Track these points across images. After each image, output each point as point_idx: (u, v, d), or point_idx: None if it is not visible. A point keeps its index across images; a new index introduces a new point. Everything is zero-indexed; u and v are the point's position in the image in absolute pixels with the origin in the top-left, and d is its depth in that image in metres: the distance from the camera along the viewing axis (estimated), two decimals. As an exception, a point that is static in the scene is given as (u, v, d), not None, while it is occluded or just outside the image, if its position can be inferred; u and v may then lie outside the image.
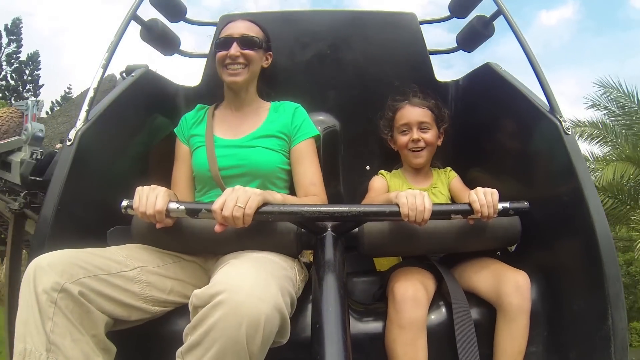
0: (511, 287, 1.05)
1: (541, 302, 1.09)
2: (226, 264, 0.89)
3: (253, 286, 0.76)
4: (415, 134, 1.44)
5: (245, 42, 1.30)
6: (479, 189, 1.04)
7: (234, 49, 1.28)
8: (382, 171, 1.54)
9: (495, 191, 1.03)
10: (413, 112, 1.45)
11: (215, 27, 1.66)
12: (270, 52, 1.41)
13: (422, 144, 1.44)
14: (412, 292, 1.03)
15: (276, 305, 0.76)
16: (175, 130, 1.41)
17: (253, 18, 1.41)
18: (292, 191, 1.34)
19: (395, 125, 1.49)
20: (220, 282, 0.76)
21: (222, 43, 1.31)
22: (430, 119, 1.46)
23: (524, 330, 1.04)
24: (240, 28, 1.32)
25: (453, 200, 1.45)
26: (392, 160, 1.60)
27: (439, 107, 1.50)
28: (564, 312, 1.07)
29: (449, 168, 1.54)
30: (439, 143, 1.50)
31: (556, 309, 1.08)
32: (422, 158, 1.45)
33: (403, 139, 1.46)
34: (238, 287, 0.74)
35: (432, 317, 1.07)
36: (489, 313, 1.09)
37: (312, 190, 1.27)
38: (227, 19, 1.45)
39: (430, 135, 1.45)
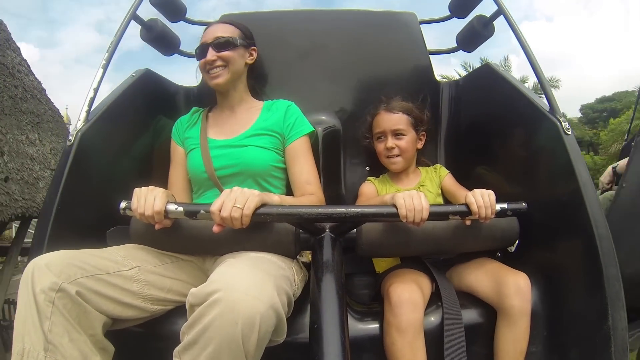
0: (512, 289, 1.04)
1: (541, 303, 1.09)
2: (223, 263, 0.89)
3: (249, 285, 0.76)
4: (390, 142, 1.44)
5: (219, 44, 1.31)
6: (476, 190, 1.04)
7: (210, 54, 1.30)
8: (370, 177, 1.54)
9: (492, 192, 1.03)
10: (388, 120, 1.45)
11: None
12: (254, 48, 1.40)
13: (396, 151, 1.44)
14: (408, 295, 1.03)
15: (272, 304, 0.76)
16: (172, 133, 1.41)
17: (229, 19, 1.43)
18: (289, 190, 1.34)
19: (373, 132, 1.51)
20: (217, 281, 0.76)
21: (200, 51, 1.33)
22: (406, 124, 1.45)
23: (525, 332, 1.04)
24: (213, 32, 1.33)
25: (446, 198, 1.45)
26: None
27: (418, 109, 1.49)
28: (563, 312, 1.06)
29: (438, 165, 1.53)
30: (420, 146, 1.50)
31: (556, 309, 1.08)
32: (398, 164, 1.46)
33: (379, 147, 1.48)
34: (234, 286, 0.74)
35: (430, 319, 1.06)
36: (488, 314, 1.09)
37: (308, 189, 1.27)
38: (224, 21, 1.45)
39: (405, 142, 1.44)
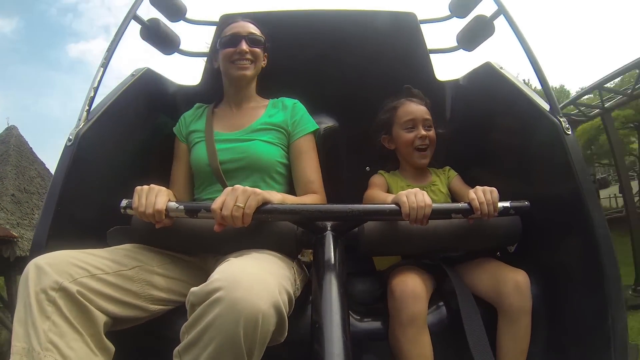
0: (511, 287, 1.04)
1: (541, 302, 1.09)
2: (224, 263, 0.89)
3: (251, 284, 0.75)
4: (422, 131, 1.41)
5: (253, 40, 1.36)
6: (478, 187, 1.04)
7: (244, 45, 1.33)
8: (381, 171, 1.53)
9: (494, 189, 1.03)
10: (418, 109, 1.43)
11: (214, 27, 1.66)
12: (267, 53, 1.44)
13: (427, 141, 1.41)
14: (411, 288, 1.03)
15: (274, 303, 0.76)
16: (174, 129, 1.42)
17: (254, 19, 1.44)
18: (292, 186, 1.34)
19: (398, 122, 1.45)
20: (218, 280, 0.75)
21: (229, 40, 1.35)
22: (430, 116, 1.45)
23: (525, 330, 1.04)
24: (246, 27, 1.38)
25: (454, 200, 1.45)
26: (392, 160, 1.60)
27: (433, 108, 1.49)
28: (563, 311, 1.07)
29: (447, 167, 1.52)
30: None
31: (556, 309, 1.08)
32: (427, 158, 1.44)
33: (408, 136, 1.42)
34: (235, 285, 0.74)
35: (432, 315, 1.06)
36: (489, 313, 1.09)
37: (310, 187, 1.28)
38: (228, 19, 1.45)
39: (433, 133, 1.43)
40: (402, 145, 1.45)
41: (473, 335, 0.99)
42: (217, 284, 0.74)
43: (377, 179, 1.48)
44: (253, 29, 1.39)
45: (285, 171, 1.33)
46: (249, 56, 1.34)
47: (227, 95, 1.43)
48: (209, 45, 1.67)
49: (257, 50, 1.37)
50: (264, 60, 1.42)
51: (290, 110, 1.36)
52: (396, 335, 1.02)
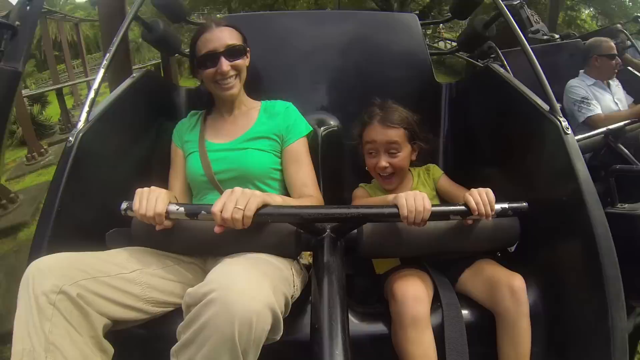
0: (506, 292, 1.04)
1: (541, 303, 1.09)
2: (220, 264, 0.89)
3: (244, 285, 0.76)
4: (383, 161, 1.31)
5: (232, 53, 1.25)
6: (473, 189, 1.04)
7: (225, 65, 1.24)
8: (362, 184, 1.49)
9: (489, 190, 1.03)
10: (381, 133, 1.31)
11: None
12: (249, 48, 1.35)
13: (389, 169, 1.32)
14: (413, 290, 1.03)
15: (268, 304, 0.77)
16: (172, 134, 1.41)
17: (229, 22, 1.33)
18: (287, 191, 1.34)
19: (363, 144, 1.37)
20: (212, 281, 0.76)
21: (206, 60, 1.25)
22: (402, 137, 1.32)
23: (524, 334, 1.03)
24: (222, 39, 1.25)
25: (443, 200, 1.44)
26: None
27: (416, 121, 1.36)
28: (563, 312, 1.06)
29: (431, 165, 1.46)
30: (414, 158, 1.38)
31: (556, 310, 1.08)
32: (393, 184, 1.36)
33: (370, 162, 1.35)
34: (229, 285, 0.75)
35: (434, 317, 1.06)
36: (488, 317, 1.09)
37: (305, 192, 1.27)
38: (227, 25, 1.39)
39: (399, 159, 1.31)
40: (368, 168, 1.39)
41: (453, 347, 1.00)
42: (211, 285, 0.75)
43: (359, 192, 1.45)
44: (229, 37, 1.26)
45: (280, 176, 1.33)
46: (232, 72, 1.26)
47: (219, 104, 1.39)
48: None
49: (239, 62, 1.27)
50: (247, 59, 1.32)
51: (282, 116, 1.33)
52: (399, 337, 1.02)
